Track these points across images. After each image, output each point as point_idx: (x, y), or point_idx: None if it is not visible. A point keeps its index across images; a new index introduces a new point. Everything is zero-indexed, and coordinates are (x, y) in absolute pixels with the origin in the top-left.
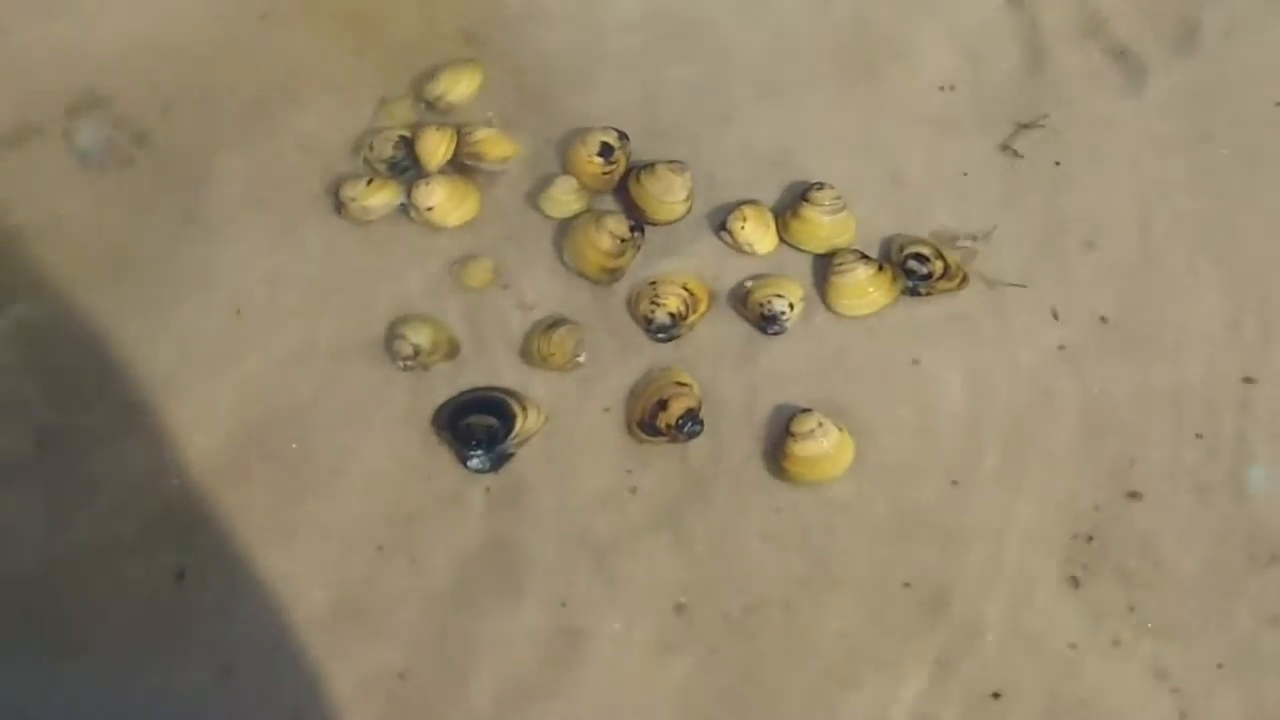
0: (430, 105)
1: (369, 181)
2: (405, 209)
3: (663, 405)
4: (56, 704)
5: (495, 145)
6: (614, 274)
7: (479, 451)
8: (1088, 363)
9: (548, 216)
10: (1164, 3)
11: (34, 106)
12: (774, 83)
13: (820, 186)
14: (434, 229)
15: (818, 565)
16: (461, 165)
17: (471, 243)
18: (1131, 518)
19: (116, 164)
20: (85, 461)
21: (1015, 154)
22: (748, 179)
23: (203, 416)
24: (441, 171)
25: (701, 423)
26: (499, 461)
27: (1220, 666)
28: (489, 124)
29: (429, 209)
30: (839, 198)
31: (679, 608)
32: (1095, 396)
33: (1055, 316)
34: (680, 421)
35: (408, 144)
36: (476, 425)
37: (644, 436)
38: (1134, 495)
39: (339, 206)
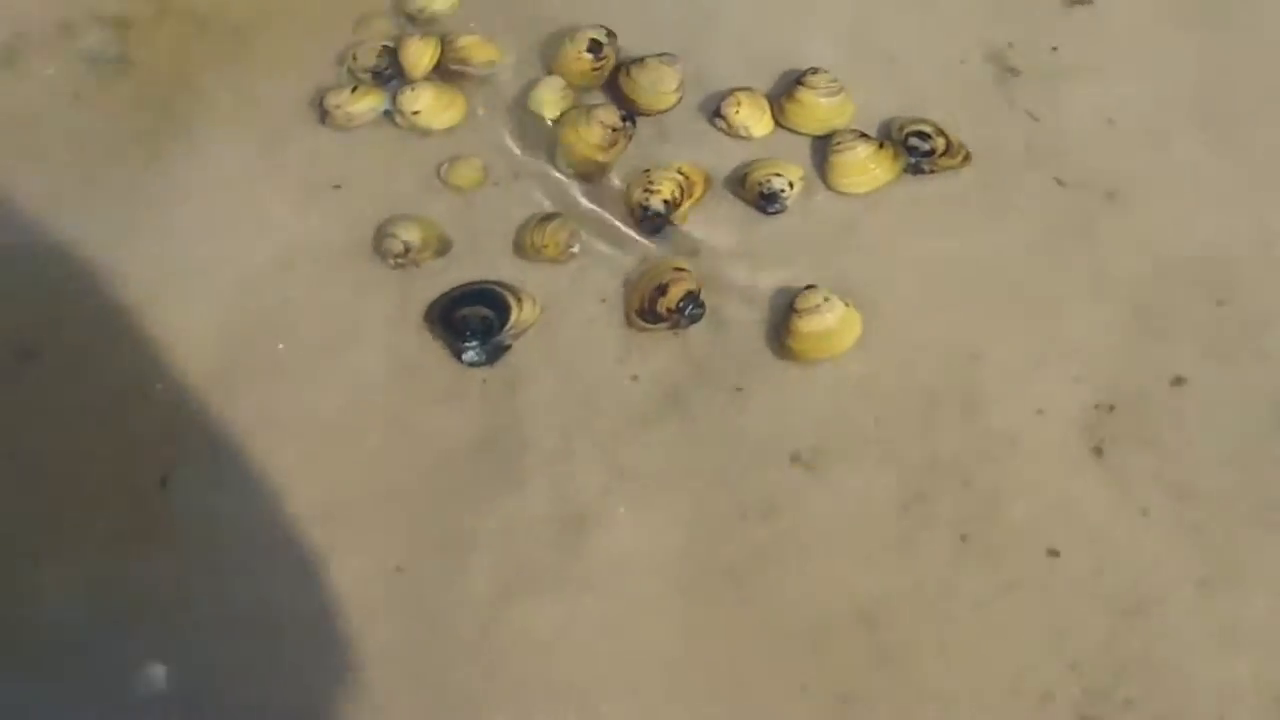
0: (412, 18)
1: (353, 89)
2: (391, 115)
3: (662, 290)
4: (41, 609)
5: (480, 50)
6: (604, 167)
7: (474, 343)
8: (1097, 235)
9: (537, 117)
10: None
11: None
12: None
13: (815, 70)
14: (421, 133)
15: (827, 442)
16: (447, 71)
17: (459, 146)
18: (1152, 385)
19: (100, 79)
20: (68, 372)
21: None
22: (739, 72)
23: (188, 323)
24: (426, 78)
25: (703, 305)
26: (495, 353)
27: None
28: (471, 32)
29: (415, 112)
30: (835, 80)
31: (687, 491)
32: (1107, 268)
33: (1061, 185)
34: (681, 304)
35: (391, 53)
36: (470, 316)
37: (644, 324)
38: (1154, 363)
39: (323, 115)
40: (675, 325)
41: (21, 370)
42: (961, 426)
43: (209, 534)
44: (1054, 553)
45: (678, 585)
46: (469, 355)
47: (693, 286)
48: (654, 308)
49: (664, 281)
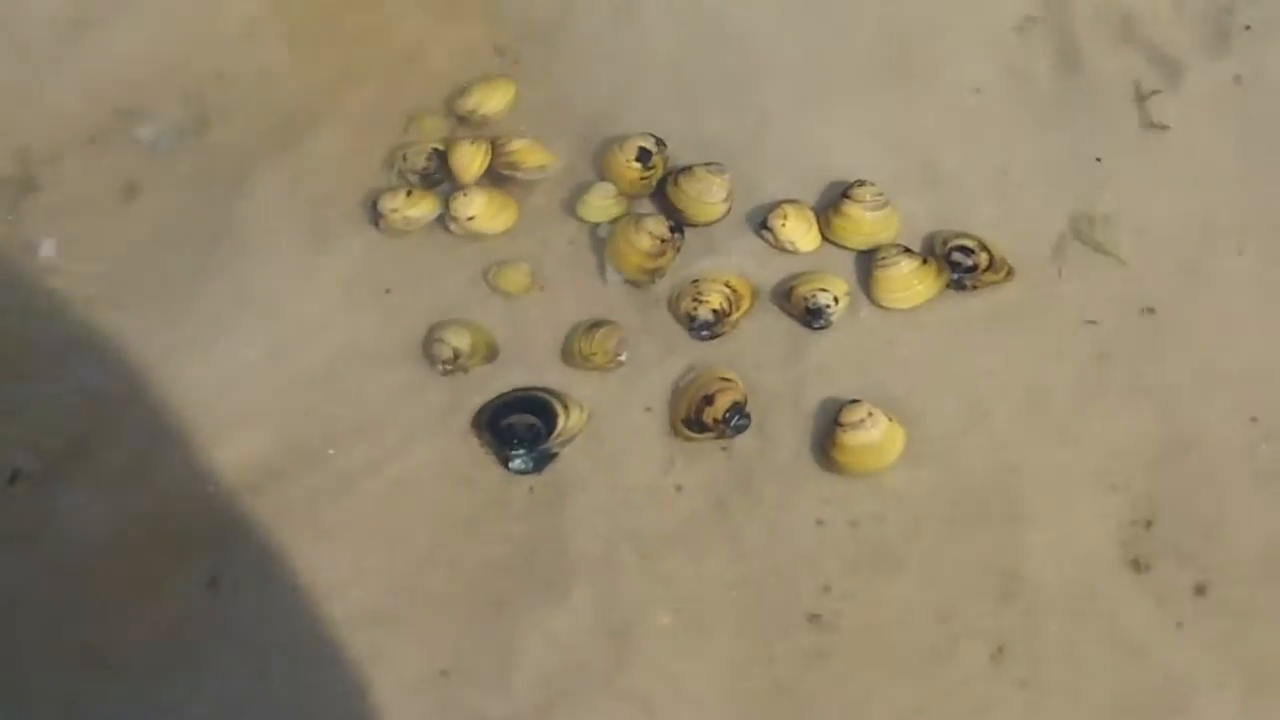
0: (463, 120)
1: (408, 193)
2: (444, 220)
3: (708, 400)
4: (89, 712)
5: (531, 154)
6: (654, 274)
7: (521, 451)
8: (1136, 351)
9: (585, 223)
10: (1195, 4)
11: (65, 127)
12: (809, 88)
13: (861, 183)
14: (474, 238)
15: (870, 555)
16: (498, 175)
17: (508, 250)
18: (1189, 501)
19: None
20: (117, 469)
21: (1057, 148)
22: (786, 182)
23: (237, 423)
24: (476, 182)
25: (748, 416)
26: (541, 461)
27: None
28: (522, 135)
29: (470, 218)
30: (881, 194)
31: (729, 602)
32: (1146, 384)
33: (1100, 307)
34: (727, 415)
35: (440, 156)
36: (518, 425)
37: (690, 434)
38: (1190, 478)
39: (377, 219)
40: (721, 435)
41: (74, 469)
42: (1000, 540)
43: (256, 636)
44: (1089, 665)
45: (721, 696)
46: (516, 463)
47: (739, 397)
48: (700, 417)
49: (710, 391)
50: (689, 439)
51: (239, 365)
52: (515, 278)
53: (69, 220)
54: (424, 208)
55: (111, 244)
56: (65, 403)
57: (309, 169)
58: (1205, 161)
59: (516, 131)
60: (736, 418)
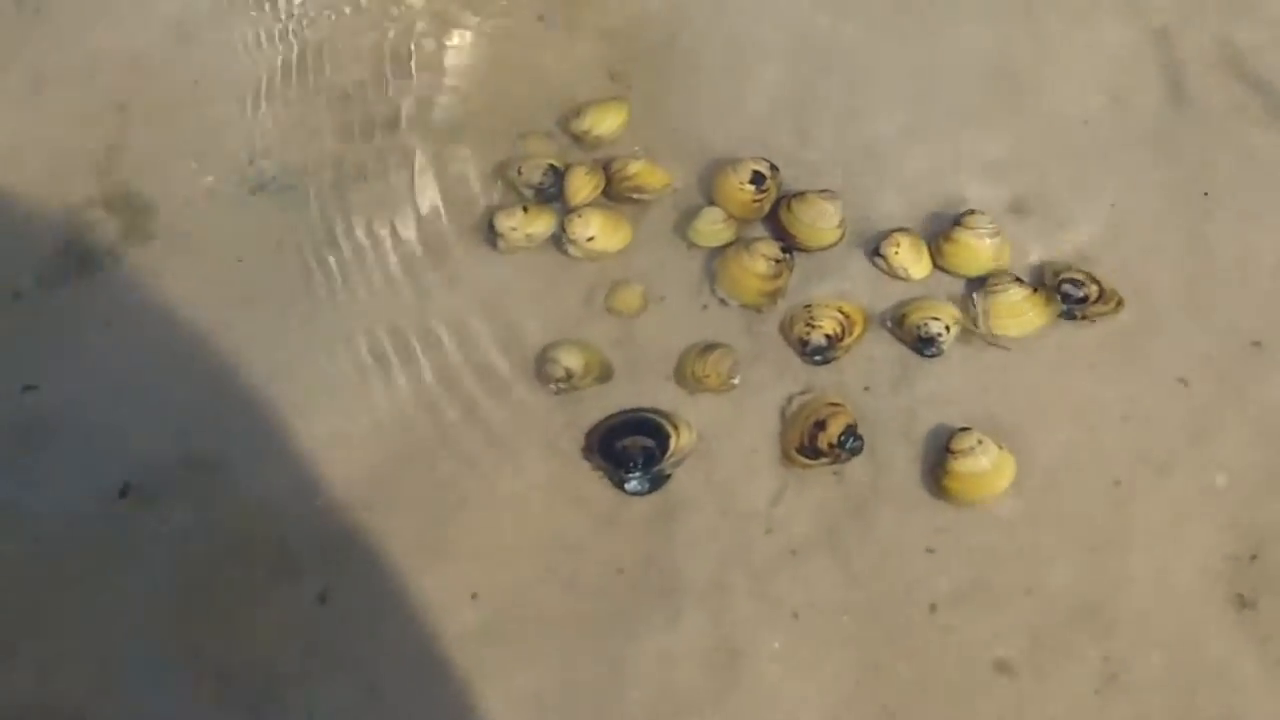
0: (577, 140)
1: (525, 210)
2: (560, 242)
3: (821, 425)
4: None
5: (651, 175)
6: (774, 296)
7: (636, 473)
8: (1245, 384)
9: (695, 247)
10: None
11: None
12: (918, 117)
13: (973, 212)
14: (591, 259)
15: (978, 583)
16: (620, 196)
17: (622, 270)
18: None
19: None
20: (227, 483)
21: (1165, 181)
22: (894, 209)
23: (347, 439)
24: (590, 203)
25: (861, 439)
26: (657, 483)
27: None
28: (637, 157)
29: (590, 239)
30: (993, 223)
31: (839, 627)
32: (1253, 416)
33: (1209, 340)
34: (842, 438)
35: (556, 173)
36: (632, 447)
37: (805, 461)
38: None
39: (495, 238)
40: (836, 460)
41: (184, 483)
42: (1105, 570)
43: (366, 652)
44: (1191, 700)
45: None
46: (632, 485)
47: (850, 420)
48: (814, 443)
49: (822, 417)
50: (805, 466)
51: (349, 379)
52: (629, 298)
53: (180, 225)
54: (542, 224)
55: (221, 256)
56: (175, 416)
57: (419, 185)
58: None
59: (631, 153)
60: (851, 440)
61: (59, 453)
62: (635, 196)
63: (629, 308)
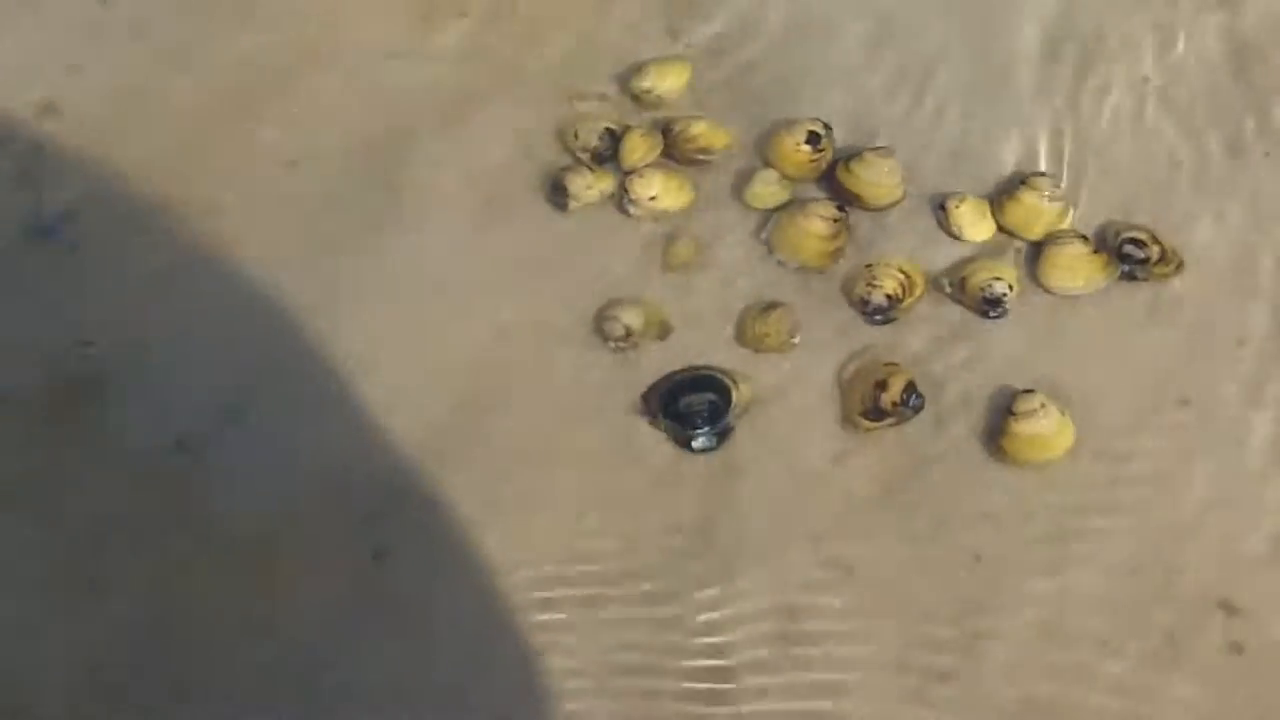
0: (637, 98)
1: (591, 170)
2: (621, 202)
3: (882, 386)
4: (248, 681)
5: (715, 136)
6: (836, 255)
7: (704, 430)
8: None
9: (751, 209)
10: None
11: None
12: (980, 81)
13: (1041, 174)
14: (654, 218)
15: (1038, 547)
16: (684, 158)
17: (679, 230)
18: None
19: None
20: (282, 439)
21: (1227, 142)
22: (955, 172)
23: (404, 396)
24: (651, 164)
25: (923, 396)
26: (723, 437)
27: None
28: (700, 118)
29: (652, 198)
30: (1058, 185)
31: (897, 587)
32: None
33: (1269, 303)
34: (904, 395)
35: (613, 136)
36: (696, 404)
37: (869, 423)
38: None
39: (565, 198)
40: (900, 419)
41: (238, 437)
42: (1163, 535)
43: (422, 613)
44: (1252, 666)
45: (891, 684)
46: (700, 442)
47: (909, 377)
48: (878, 405)
49: (881, 377)
50: (870, 429)
51: (407, 335)
52: (688, 257)
53: (234, 183)
54: (608, 183)
55: (273, 209)
56: (228, 370)
57: (475, 142)
58: None
59: (690, 114)
60: (913, 397)
61: (116, 407)
62: (699, 157)
63: (689, 267)
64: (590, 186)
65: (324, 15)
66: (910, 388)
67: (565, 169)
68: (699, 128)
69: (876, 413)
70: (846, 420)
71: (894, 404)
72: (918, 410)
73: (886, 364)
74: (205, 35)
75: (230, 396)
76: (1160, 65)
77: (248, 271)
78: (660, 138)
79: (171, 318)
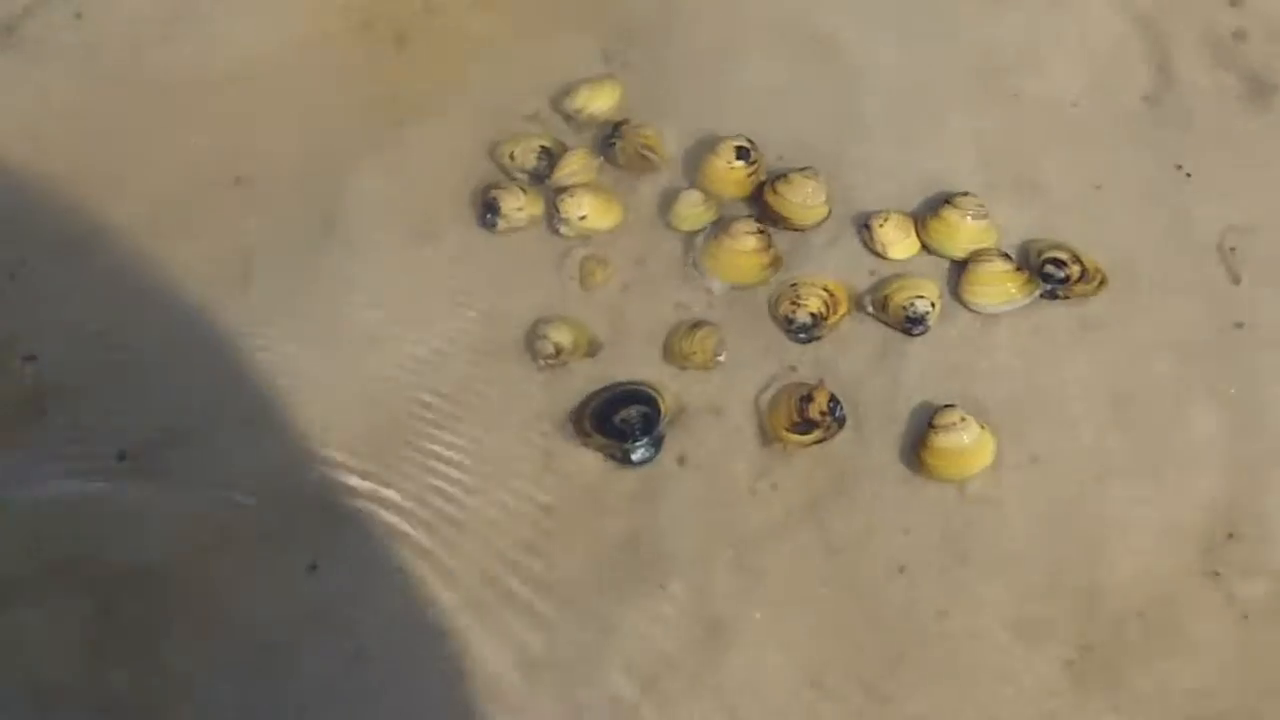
0: (569, 118)
1: (524, 191)
2: (550, 219)
3: (808, 399)
4: (187, 688)
5: (659, 141)
6: (774, 266)
7: (641, 441)
8: (1228, 363)
9: (677, 231)
10: None
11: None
12: (907, 99)
13: (965, 193)
14: (583, 237)
15: (958, 558)
16: (631, 153)
17: (608, 249)
18: (1271, 513)
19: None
20: (219, 455)
21: (1150, 163)
22: (882, 191)
23: (340, 413)
24: (583, 183)
25: (843, 408)
26: (658, 446)
27: None
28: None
29: (582, 218)
30: (982, 205)
31: (819, 599)
32: (1235, 397)
33: (1190, 321)
34: (830, 406)
35: (550, 155)
36: (631, 417)
37: (798, 437)
38: (1273, 491)
39: (494, 217)
40: (827, 430)
41: (178, 453)
42: (1083, 548)
43: (354, 619)
44: (1167, 674)
45: (810, 694)
46: (639, 454)
47: (831, 391)
48: (805, 416)
49: (805, 392)
50: (799, 443)
51: (342, 354)
52: (616, 277)
53: (178, 209)
54: (538, 208)
55: (214, 233)
56: (168, 387)
57: (409, 162)
58: None
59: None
60: (838, 408)
61: (59, 421)
62: (645, 154)
63: (617, 286)
64: (521, 209)
65: (263, 35)
66: (834, 399)
67: (497, 188)
68: (650, 129)
69: (805, 425)
70: (774, 437)
71: (821, 413)
72: (841, 423)
73: (807, 384)
74: (143, 51)
75: (169, 412)
76: (1085, 87)
77: (186, 290)
78: (597, 161)
79: (112, 335)
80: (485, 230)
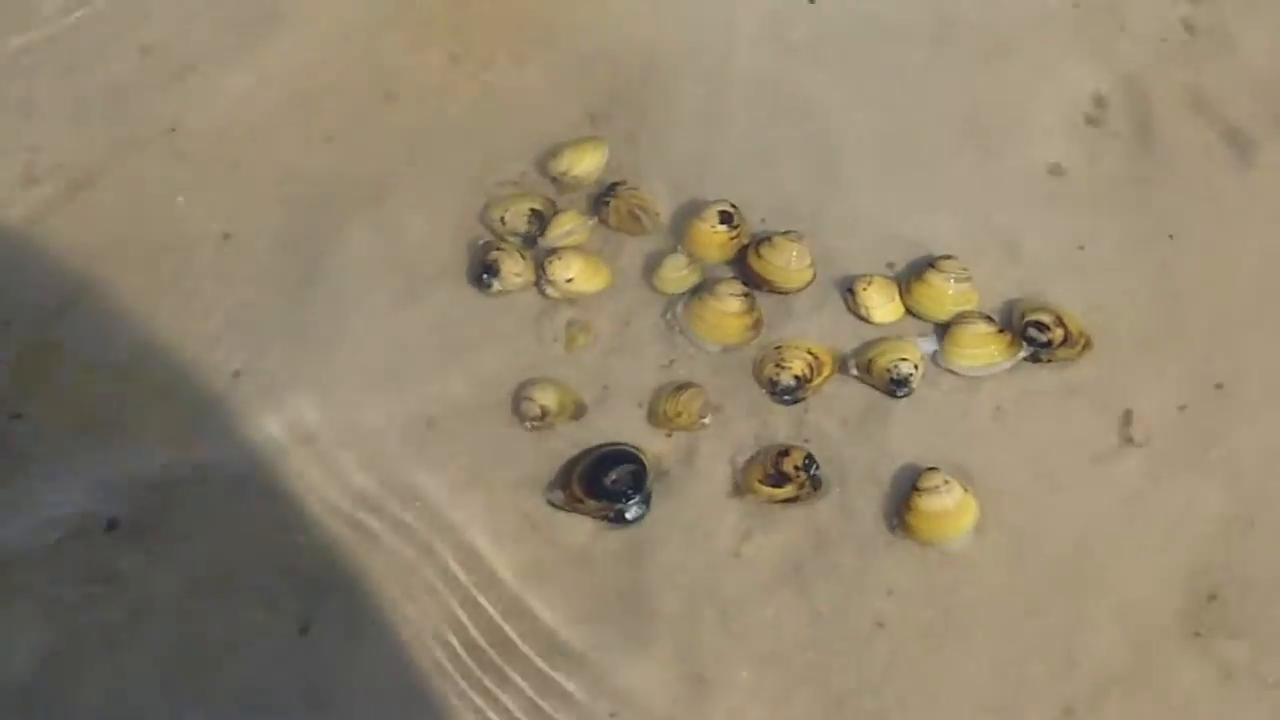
0: (555, 181)
1: (522, 256)
2: (538, 281)
3: (784, 453)
4: None
5: (651, 201)
6: (757, 327)
7: (635, 499)
8: (1207, 427)
9: (662, 294)
10: (1269, 83)
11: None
12: (889, 161)
13: (948, 256)
14: (570, 300)
15: (941, 620)
16: (623, 213)
17: (595, 311)
18: (1252, 575)
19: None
20: (209, 515)
21: (1131, 224)
22: (865, 254)
23: (328, 473)
24: (574, 246)
25: (820, 472)
26: (648, 501)
27: None
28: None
29: (569, 280)
30: (965, 269)
31: (805, 663)
32: (1214, 458)
33: (1172, 382)
34: (806, 463)
35: (540, 217)
36: (622, 476)
37: (769, 489)
38: (1254, 553)
39: (491, 279)
40: (801, 486)
41: (169, 517)
42: (1066, 611)
43: (344, 681)
44: None
45: None
46: (634, 511)
47: (810, 452)
48: (779, 469)
49: (783, 448)
50: (771, 497)
51: (327, 415)
52: (602, 339)
53: (169, 262)
54: (531, 275)
55: (202, 289)
56: (158, 453)
57: (396, 223)
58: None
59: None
60: (813, 466)
61: (45, 483)
62: (637, 213)
63: (604, 348)
64: (519, 274)
65: (250, 91)
66: (810, 458)
67: (498, 250)
68: (643, 191)
69: (778, 477)
70: (746, 489)
71: (795, 468)
72: (817, 484)
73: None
74: (129, 105)
75: (162, 479)
76: (1066, 147)
77: (175, 348)
78: (591, 221)
79: (103, 406)
80: (478, 291)
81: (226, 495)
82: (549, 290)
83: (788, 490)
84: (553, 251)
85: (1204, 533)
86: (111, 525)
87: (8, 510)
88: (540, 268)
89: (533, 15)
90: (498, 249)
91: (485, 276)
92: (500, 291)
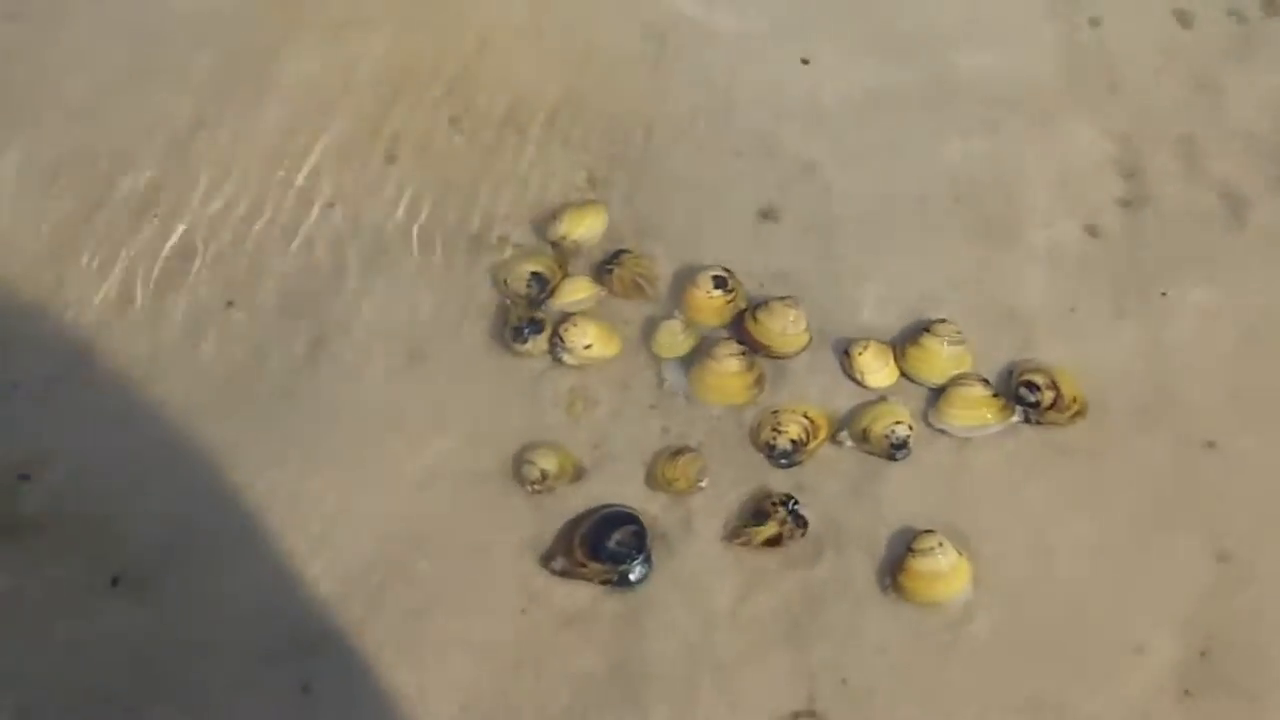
0: (555, 245)
1: (543, 319)
2: (553, 348)
3: (765, 496)
4: None
5: (653, 268)
6: (759, 385)
7: (638, 559)
8: (1199, 484)
9: (660, 358)
10: (1262, 140)
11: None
12: (884, 226)
13: (944, 320)
14: (582, 365)
15: (935, 683)
16: (627, 281)
17: (592, 376)
18: (1244, 634)
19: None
20: (212, 575)
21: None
22: (862, 318)
23: (331, 535)
24: (581, 312)
25: (804, 516)
26: (650, 562)
27: None
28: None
29: (587, 346)
30: (959, 332)
31: None
32: (1207, 515)
33: (1164, 440)
34: (785, 499)
35: (540, 280)
36: (625, 539)
37: (751, 523)
38: (1247, 612)
39: (521, 344)
40: (783, 522)
41: (172, 575)
42: (1058, 672)
43: None
44: None
45: None
46: (638, 572)
47: (790, 493)
48: (759, 508)
49: (766, 493)
50: (756, 535)
51: (331, 478)
52: (601, 403)
53: (161, 330)
54: (545, 344)
55: (206, 356)
56: (163, 511)
57: (399, 288)
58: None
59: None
60: (792, 502)
61: (53, 542)
62: (640, 282)
63: (602, 411)
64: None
65: (257, 155)
66: (790, 496)
67: (566, 322)
68: (646, 259)
69: (758, 515)
70: (731, 534)
71: (774, 504)
72: (800, 522)
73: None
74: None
75: (166, 538)
76: (1061, 208)
77: (180, 412)
78: (599, 289)
79: (107, 464)
80: (498, 348)
81: (228, 558)
82: (565, 357)
83: (770, 527)
84: (566, 317)
85: (1195, 591)
86: (116, 582)
87: (19, 567)
88: (556, 335)
89: (532, 78)
90: (531, 316)
91: (525, 331)
92: (524, 353)
